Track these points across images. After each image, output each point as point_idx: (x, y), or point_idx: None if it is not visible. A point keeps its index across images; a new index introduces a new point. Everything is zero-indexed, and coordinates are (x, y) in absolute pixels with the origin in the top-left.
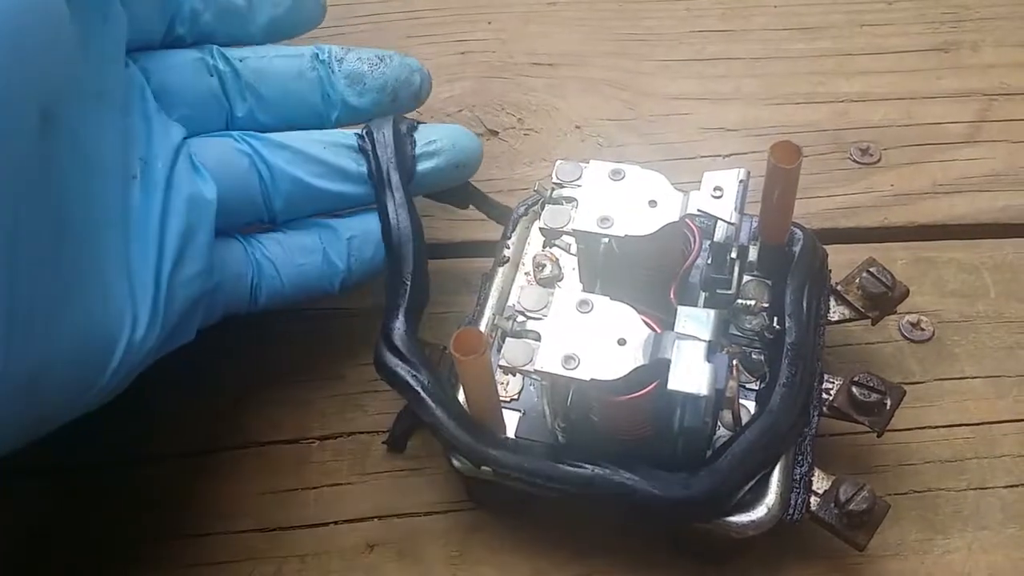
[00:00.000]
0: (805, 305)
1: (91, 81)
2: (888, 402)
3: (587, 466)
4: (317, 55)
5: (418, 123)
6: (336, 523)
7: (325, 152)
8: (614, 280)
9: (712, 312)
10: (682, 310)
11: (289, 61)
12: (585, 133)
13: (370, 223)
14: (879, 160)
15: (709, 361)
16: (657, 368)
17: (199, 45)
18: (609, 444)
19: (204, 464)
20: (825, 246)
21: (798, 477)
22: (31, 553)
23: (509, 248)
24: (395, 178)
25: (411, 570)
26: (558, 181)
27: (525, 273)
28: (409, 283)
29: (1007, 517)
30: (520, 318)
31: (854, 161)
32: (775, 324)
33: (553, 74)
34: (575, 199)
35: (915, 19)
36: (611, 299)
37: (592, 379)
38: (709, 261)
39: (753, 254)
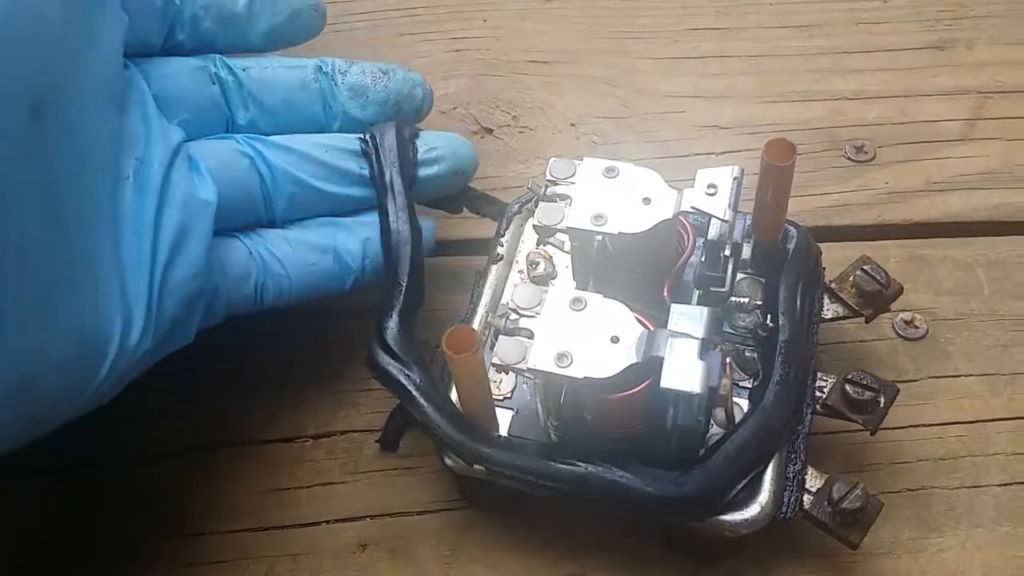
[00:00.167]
0: (799, 303)
1: (87, 79)
2: (882, 400)
3: (580, 464)
4: (320, 67)
5: (419, 130)
6: (328, 522)
7: (327, 155)
8: (608, 278)
9: (705, 310)
10: (675, 308)
11: (292, 72)
12: (580, 131)
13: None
14: (873, 158)
15: (702, 359)
16: (650, 366)
17: (201, 53)
18: (602, 442)
19: (199, 463)
20: (819, 244)
21: (791, 475)
22: (31, 553)
23: (503, 246)
24: (397, 181)
25: (403, 569)
26: (552, 178)
27: (519, 271)
28: (405, 284)
29: (1001, 515)
30: (513, 316)
31: (848, 159)
32: (768, 322)
33: (548, 72)
34: (569, 196)
35: (910, 17)
36: (604, 297)
37: (585, 377)
38: (703, 259)
39: (747, 252)
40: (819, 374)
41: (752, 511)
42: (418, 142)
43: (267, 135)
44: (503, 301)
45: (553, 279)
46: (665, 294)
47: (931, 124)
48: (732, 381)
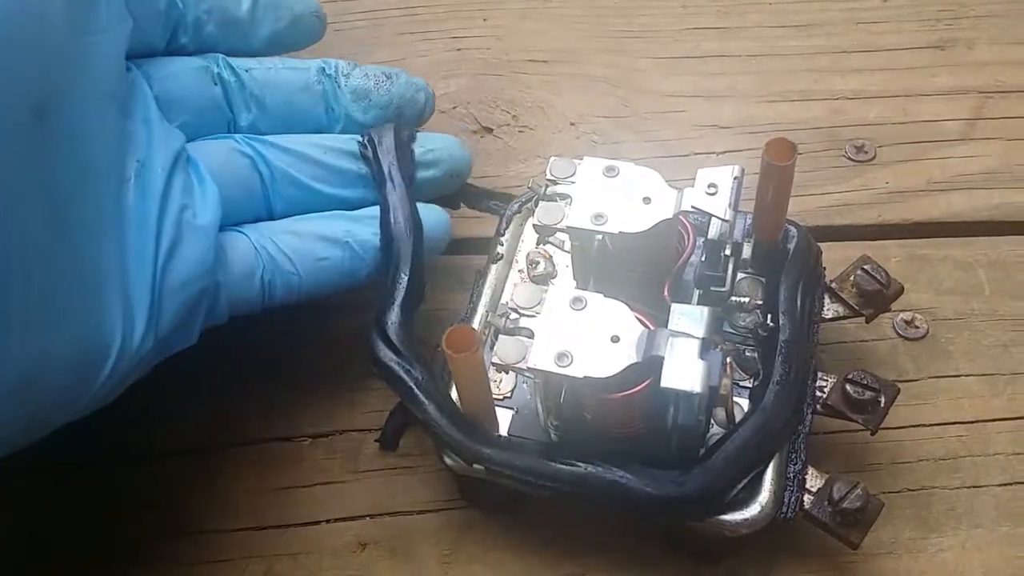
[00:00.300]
0: (799, 302)
1: (89, 81)
2: (882, 400)
3: (580, 464)
4: (323, 69)
5: (416, 133)
6: (328, 521)
7: (326, 156)
8: (608, 277)
9: (706, 309)
10: (676, 307)
11: (295, 74)
12: (580, 130)
13: None
14: (874, 157)
15: (703, 358)
16: (650, 365)
17: (202, 54)
18: (602, 442)
19: (198, 463)
20: (819, 243)
21: (792, 475)
22: (31, 553)
23: (503, 245)
24: (397, 175)
25: (403, 568)
26: (552, 178)
27: (519, 270)
28: (406, 279)
29: (1001, 515)
30: (513, 315)
31: (849, 158)
32: (769, 322)
33: (548, 71)
34: (569, 196)
35: (910, 16)
36: (605, 296)
37: (585, 376)
38: (703, 258)
39: (747, 251)
40: (819, 374)
41: (752, 511)
42: (415, 145)
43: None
44: (503, 300)
45: (553, 278)
46: (665, 294)
47: (931, 124)
48: (732, 381)
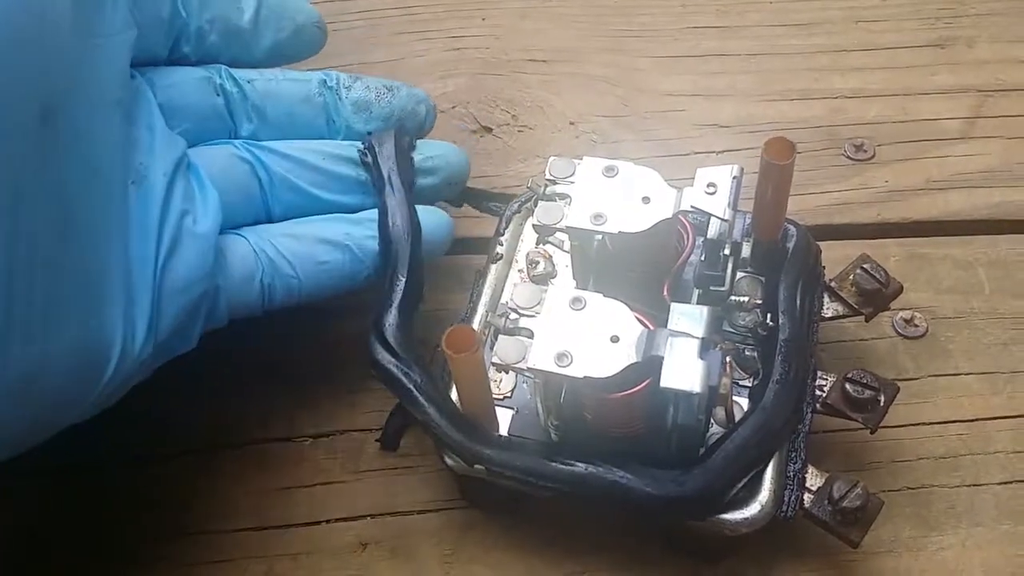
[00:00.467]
0: (799, 302)
1: (95, 86)
2: (882, 399)
3: (580, 464)
4: (325, 81)
5: (416, 141)
6: (329, 521)
7: (325, 162)
8: (607, 277)
9: (705, 309)
10: (675, 307)
11: (297, 85)
12: (579, 130)
13: None
14: (873, 156)
15: (702, 358)
16: (650, 365)
17: (204, 64)
18: (602, 442)
19: (199, 464)
20: (819, 242)
21: (792, 474)
22: (31, 553)
23: (502, 245)
24: (396, 179)
25: (403, 568)
26: (551, 178)
27: (518, 270)
28: (404, 280)
29: (1001, 514)
30: (513, 315)
31: (848, 157)
32: (768, 321)
33: (547, 70)
34: (568, 196)
35: (910, 15)
36: (604, 296)
37: (585, 376)
38: (702, 258)
39: (747, 251)
40: (819, 373)
41: (752, 510)
42: (414, 154)
43: None
44: (503, 300)
45: (553, 278)
46: (665, 293)
47: (931, 122)
48: (732, 380)
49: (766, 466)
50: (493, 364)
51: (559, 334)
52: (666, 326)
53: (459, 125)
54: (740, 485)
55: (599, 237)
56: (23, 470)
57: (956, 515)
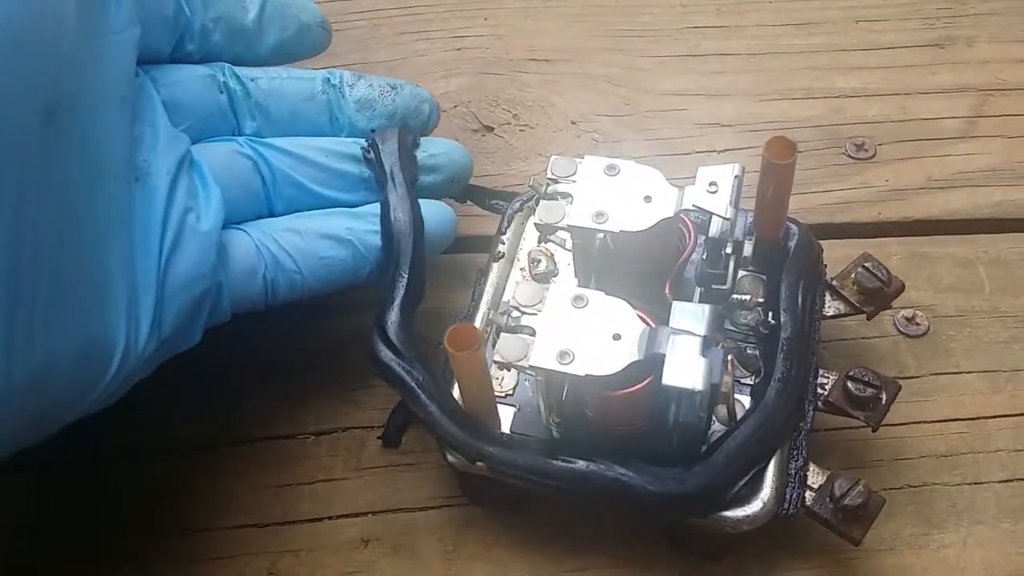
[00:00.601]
0: (800, 300)
1: (99, 84)
2: (883, 397)
3: (581, 462)
4: (328, 79)
5: (420, 139)
6: (331, 518)
7: (328, 159)
8: (609, 276)
9: (707, 307)
10: (677, 305)
11: (300, 83)
12: (581, 129)
13: None
14: (874, 155)
15: (704, 356)
16: (652, 363)
17: (208, 62)
18: (604, 440)
19: (201, 460)
20: (820, 241)
21: (793, 472)
22: (31, 552)
23: (504, 244)
24: (399, 174)
25: (405, 565)
26: (553, 176)
27: (520, 269)
28: (406, 277)
29: (1002, 512)
30: (515, 313)
31: (849, 156)
32: (770, 319)
33: (549, 70)
34: (570, 194)
35: (910, 14)
36: (606, 294)
37: (587, 374)
38: (704, 256)
39: (748, 249)
40: (821, 371)
41: (754, 507)
42: (418, 151)
43: None
44: (505, 299)
45: (554, 277)
46: (667, 292)
47: (932, 122)
48: (734, 378)
49: (768, 464)
50: (495, 362)
51: (561, 332)
52: (668, 324)
53: (461, 124)
54: (742, 483)
55: (601, 236)
56: (24, 467)
57: (957, 513)
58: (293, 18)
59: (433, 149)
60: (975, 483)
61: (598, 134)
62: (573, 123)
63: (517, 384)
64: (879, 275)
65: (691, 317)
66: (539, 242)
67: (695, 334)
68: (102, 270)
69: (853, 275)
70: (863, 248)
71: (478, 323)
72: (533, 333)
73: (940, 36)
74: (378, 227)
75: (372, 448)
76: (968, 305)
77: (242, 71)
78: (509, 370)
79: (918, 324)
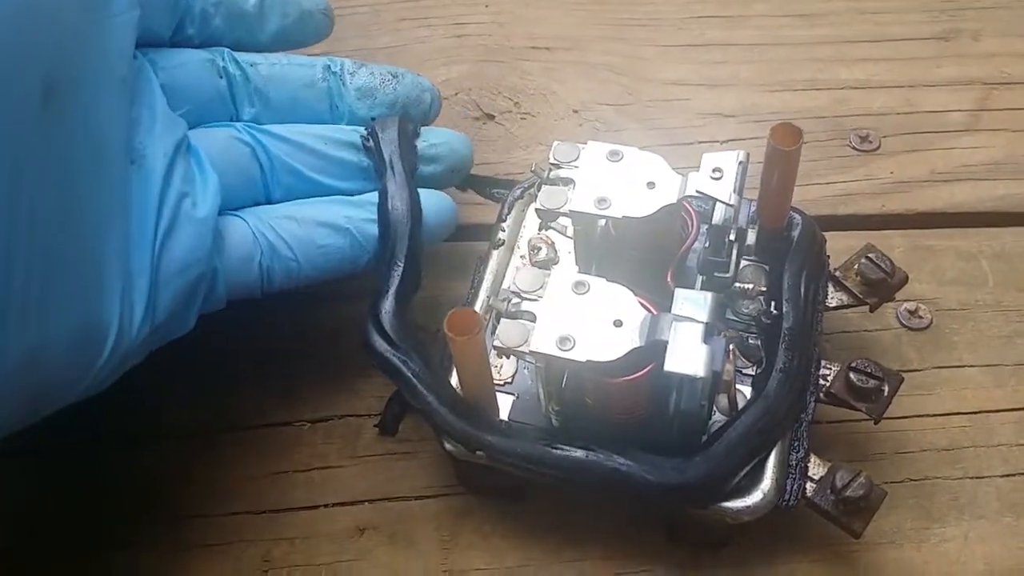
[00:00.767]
0: (803, 290)
1: (99, 64)
2: (886, 389)
3: (580, 451)
4: (329, 67)
5: (420, 128)
6: (327, 506)
7: (326, 147)
8: (611, 262)
9: (709, 295)
10: (679, 292)
11: (300, 70)
12: (583, 118)
13: None
14: (878, 147)
15: (706, 343)
16: (653, 350)
17: (208, 47)
18: (604, 428)
19: (197, 447)
20: (823, 233)
21: (794, 463)
22: (24, 534)
23: (504, 231)
24: (398, 163)
25: (402, 554)
26: (555, 162)
27: (520, 256)
28: (402, 266)
29: (1003, 506)
30: (515, 299)
31: (853, 148)
32: (772, 309)
33: (551, 58)
34: (572, 180)
35: (915, 7)
36: (608, 281)
37: (588, 360)
38: (707, 244)
39: (751, 238)
40: (823, 362)
41: (754, 498)
42: (418, 142)
43: None
44: (505, 285)
45: (555, 264)
46: (669, 279)
47: (936, 114)
48: (735, 368)
49: (768, 454)
50: (495, 348)
51: (562, 318)
52: (670, 312)
53: (461, 112)
54: (742, 473)
55: (603, 222)
56: (18, 452)
57: (958, 507)
58: (295, 4)
59: (434, 139)
60: (977, 477)
61: (600, 123)
62: (575, 112)
63: (516, 372)
64: (883, 265)
65: (693, 304)
66: (540, 230)
67: (698, 321)
68: (97, 251)
69: (856, 265)
70: (866, 240)
71: (477, 309)
72: (533, 319)
73: (945, 29)
74: (376, 216)
75: (368, 436)
76: (971, 299)
77: (242, 56)
78: (508, 357)
79: (921, 317)
